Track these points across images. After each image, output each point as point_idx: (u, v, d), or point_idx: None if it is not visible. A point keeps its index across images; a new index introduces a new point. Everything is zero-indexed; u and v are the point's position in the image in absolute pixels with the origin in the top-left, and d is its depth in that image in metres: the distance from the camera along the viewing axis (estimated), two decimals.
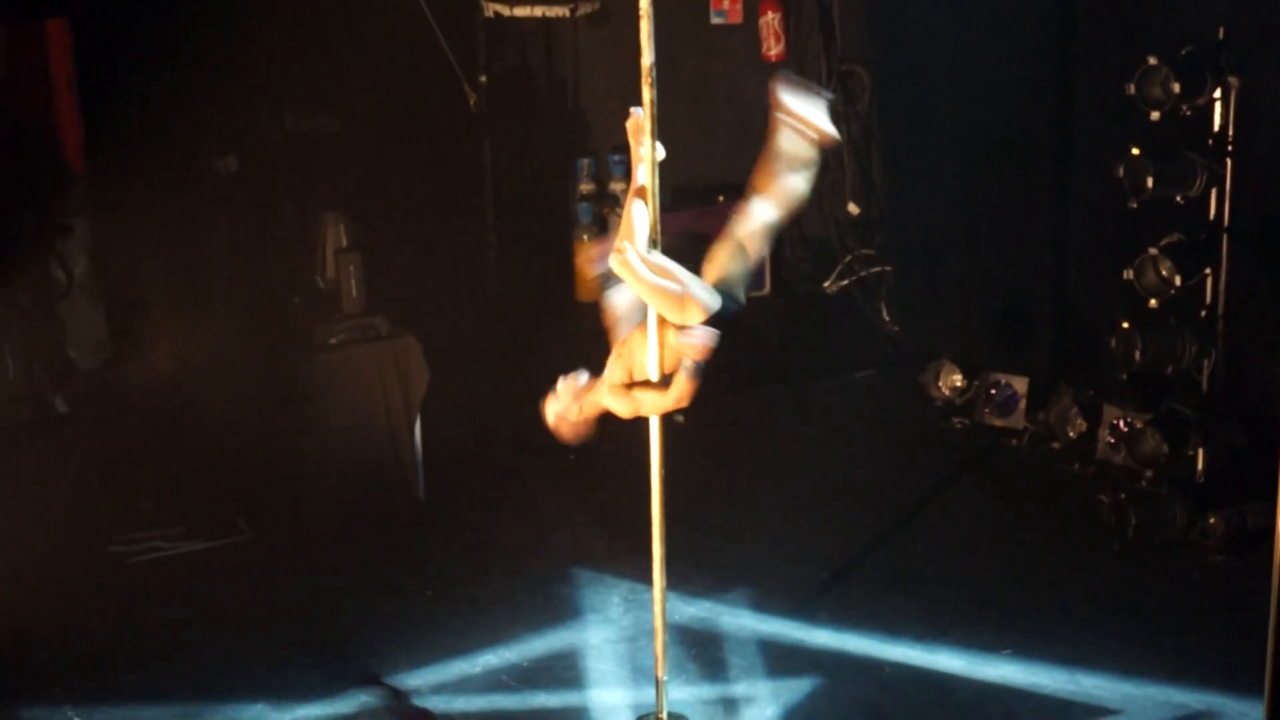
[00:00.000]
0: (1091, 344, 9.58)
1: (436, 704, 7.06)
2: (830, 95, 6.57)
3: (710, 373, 10.31)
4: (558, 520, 8.83)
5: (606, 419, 6.32)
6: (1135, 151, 8.41)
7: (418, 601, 8.03)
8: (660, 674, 6.69)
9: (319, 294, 9.10)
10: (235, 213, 9.47)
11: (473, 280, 11.92)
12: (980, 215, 10.55)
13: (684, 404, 6.12)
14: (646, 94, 6.02)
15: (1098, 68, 9.48)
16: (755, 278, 12.32)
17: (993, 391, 10.04)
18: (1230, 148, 8.42)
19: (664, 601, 6.63)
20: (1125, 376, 8.80)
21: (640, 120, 6.08)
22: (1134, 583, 8.05)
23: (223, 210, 9.49)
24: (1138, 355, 8.58)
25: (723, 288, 6.22)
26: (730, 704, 6.99)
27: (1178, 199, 8.48)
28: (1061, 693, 7.00)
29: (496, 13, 11.73)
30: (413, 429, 9.06)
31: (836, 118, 12.51)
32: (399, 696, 7.12)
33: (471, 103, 11.15)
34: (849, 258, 12.49)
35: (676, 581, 7.63)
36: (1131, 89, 8.36)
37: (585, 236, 12.50)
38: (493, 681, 7.25)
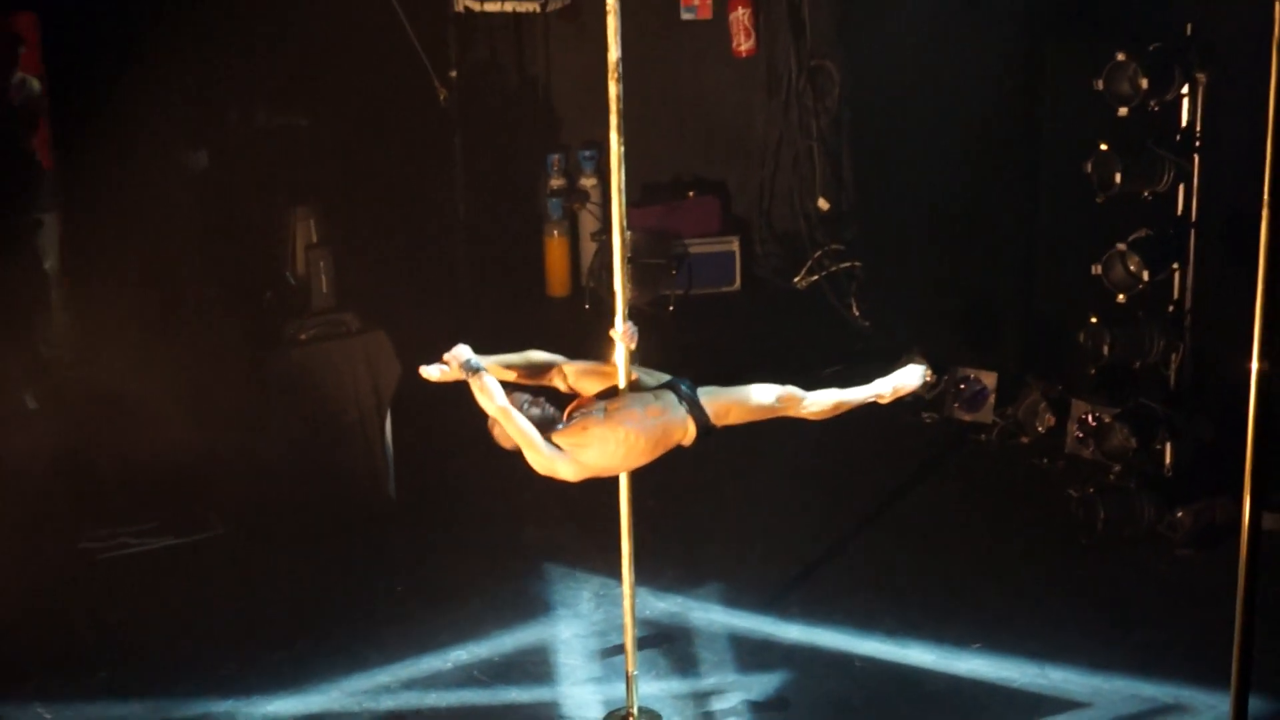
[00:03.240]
0: (1060, 339, 9.61)
1: (408, 699, 7.06)
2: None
3: (681, 367, 10.31)
4: (529, 516, 8.83)
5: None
6: (1103, 147, 8.43)
7: (388, 597, 8.03)
8: (631, 669, 6.71)
9: (289, 289, 9.08)
10: (205, 208, 9.45)
11: (443, 275, 11.91)
12: (949, 210, 10.57)
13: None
14: (613, 89, 6.03)
15: (1066, 63, 9.50)
16: (725, 273, 12.49)
17: (962, 386, 10.07)
18: (1198, 143, 8.44)
19: (634, 597, 6.65)
20: (1093, 371, 8.82)
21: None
22: (1102, 577, 8.09)
23: (193, 205, 9.47)
24: (1106, 350, 8.61)
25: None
26: (701, 698, 7.01)
27: (1145, 194, 8.51)
28: (1031, 686, 7.04)
29: (467, 8, 11.73)
30: (383, 424, 9.06)
31: (806, 113, 12.66)
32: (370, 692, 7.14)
33: (442, 98, 11.15)
34: (819, 253, 12.52)
35: (647, 577, 7.66)
36: (1100, 84, 8.38)
37: (555, 233, 12.51)
38: (464, 677, 7.25)
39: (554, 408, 6.11)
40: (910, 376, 6.78)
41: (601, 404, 6.17)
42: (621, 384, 6.22)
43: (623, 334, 6.20)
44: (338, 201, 10.00)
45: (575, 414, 6.15)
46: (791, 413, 6.54)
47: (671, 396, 6.22)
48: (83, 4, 9.15)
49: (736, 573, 8.17)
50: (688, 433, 6.24)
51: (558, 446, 6.01)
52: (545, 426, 6.02)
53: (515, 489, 9.08)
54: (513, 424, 5.94)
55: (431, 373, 6.15)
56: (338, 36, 10.72)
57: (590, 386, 6.28)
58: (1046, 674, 7.12)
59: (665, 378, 6.33)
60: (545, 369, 6.30)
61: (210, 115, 9.79)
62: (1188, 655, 7.19)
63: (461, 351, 6.04)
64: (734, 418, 6.37)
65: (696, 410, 6.23)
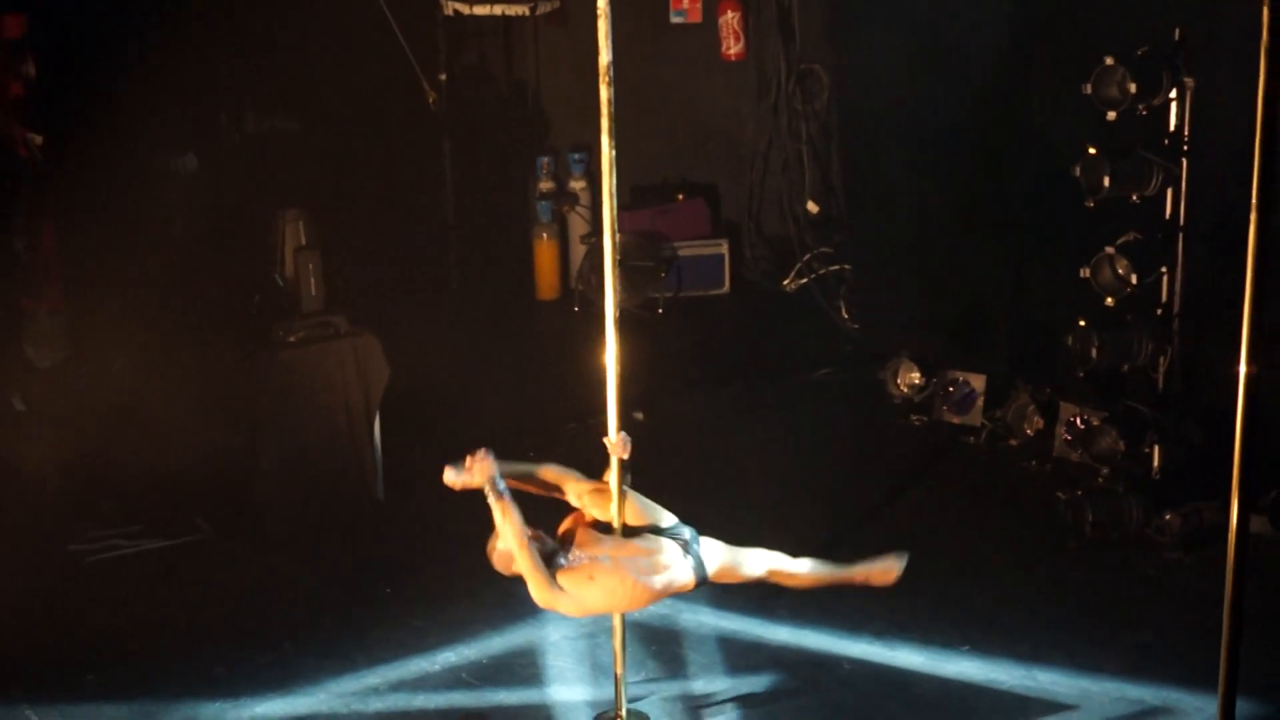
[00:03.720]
0: (1048, 342, 9.61)
1: (396, 701, 7.06)
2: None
3: (671, 370, 10.35)
4: None
5: None
6: (1092, 151, 8.45)
7: (377, 599, 8.03)
8: (619, 671, 6.71)
9: (278, 292, 9.08)
10: (195, 211, 9.44)
11: (432, 278, 11.92)
12: (938, 214, 10.59)
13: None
14: (604, 92, 6.04)
15: (1055, 68, 9.52)
16: (715, 276, 12.50)
17: (950, 389, 10.08)
18: (1186, 147, 8.45)
19: None
20: (1082, 374, 8.83)
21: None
22: (1090, 580, 8.10)
23: (182, 209, 9.47)
24: (1094, 353, 8.61)
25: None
26: (689, 700, 7.01)
27: (1134, 198, 8.52)
28: (1019, 689, 7.05)
29: (456, 11, 11.73)
30: (372, 426, 9.05)
31: (795, 116, 12.67)
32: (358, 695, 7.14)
33: (431, 101, 11.15)
34: (808, 256, 12.53)
35: None
36: (1088, 89, 8.40)
37: (544, 235, 12.51)
38: (452, 679, 7.26)
39: (553, 541, 6.23)
40: (888, 569, 6.99)
41: (606, 553, 6.24)
42: (613, 488, 6.30)
43: (616, 444, 6.26)
44: (327, 204, 10.01)
45: (580, 554, 6.21)
46: (777, 581, 6.75)
47: (677, 550, 6.33)
48: (74, 8, 9.14)
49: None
50: (687, 585, 6.38)
51: (561, 587, 6.11)
52: (547, 560, 6.14)
53: None
54: (526, 558, 6.07)
55: (454, 479, 6.17)
56: (328, 40, 10.72)
57: (597, 504, 6.38)
58: (1034, 676, 7.13)
59: (666, 515, 6.44)
60: (557, 484, 6.39)
61: (200, 118, 9.79)
62: (1175, 658, 7.20)
63: (488, 465, 6.07)
64: (727, 579, 6.58)
65: (699, 567, 6.37)
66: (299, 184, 9.96)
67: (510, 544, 6.07)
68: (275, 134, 10.31)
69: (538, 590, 6.10)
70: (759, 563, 6.63)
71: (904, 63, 10.69)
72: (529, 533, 6.09)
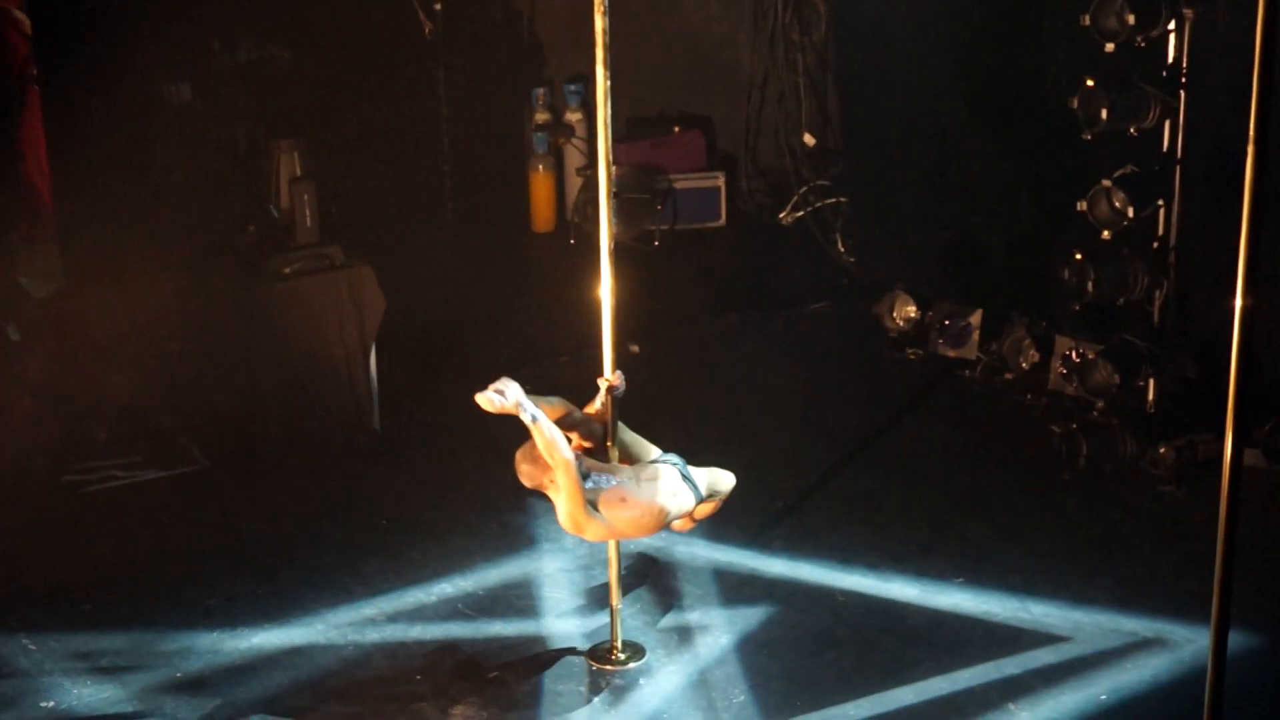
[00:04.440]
0: (1044, 275, 9.62)
1: (392, 632, 7.08)
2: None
3: (667, 303, 10.35)
4: (513, 450, 8.81)
5: None
6: (1089, 83, 8.42)
7: (373, 530, 8.04)
8: (615, 603, 6.73)
9: (273, 223, 9.05)
10: (188, 141, 9.39)
11: (428, 209, 11.87)
12: (935, 146, 10.56)
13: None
14: (599, 22, 6.01)
15: None
16: (710, 209, 12.46)
17: (946, 322, 10.07)
18: (1184, 80, 8.43)
19: None
20: (1077, 307, 8.83)
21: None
22: (1085, 512, 8.11)
23: (176, 139, 9.42)
24: (1090, 286, 8.61)
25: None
26: (684, 632, 7.03)
27: (1131, 131, 8.50)
28: (1012, 620, 7.07)
29: None
30: (368, 358, 9.05)
31: (792, 48, 12.61)
32: (354, 625, 7.16)
33: (426, 30, 11.08)
34: (804, 189, 12.49)
35: None
36: (1086, 20, 8.36)
37: (540, 167, 12.47)
38: (448, 610, 7.27)
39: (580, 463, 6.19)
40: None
41: (630, 471, 6.28)
42: (611, 432, 6.36)
43: (612, 381, 6.27)
44: (322, 134, 9.97)
45: (609, 478, 6.23)
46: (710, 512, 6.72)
47: (677, 475, 6.36)
48: None
49: (720, 507, 8.17)
50: (689, 514, 6.45)
51: (597, 510, 6.12)
52: None
53: (499, 422, 9.09)
54: (570, 479, 6.04)
55: (489, 404, 6.14)
56: None
57: (588, 434, 6.40)
58: (1028, 608, 7.15)
59: (653, 448, 6.48)
60: (567, 416, 6.35)
61: (194, 47, 9.72)
62: (1168, 590, 7.22)
63: (514, 391, 6.06)
64: (708, 507, 6.59)
65: (695, 491, 6.43)
66: (293, 114, 9.92)
67: (555, 464, 6.03)
68: (269, 62, 10.25)
69: (574, 511, 6.06)
70: (725, 481, 6.64)
71: None
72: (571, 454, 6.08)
